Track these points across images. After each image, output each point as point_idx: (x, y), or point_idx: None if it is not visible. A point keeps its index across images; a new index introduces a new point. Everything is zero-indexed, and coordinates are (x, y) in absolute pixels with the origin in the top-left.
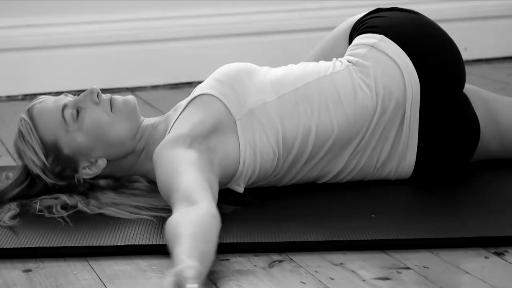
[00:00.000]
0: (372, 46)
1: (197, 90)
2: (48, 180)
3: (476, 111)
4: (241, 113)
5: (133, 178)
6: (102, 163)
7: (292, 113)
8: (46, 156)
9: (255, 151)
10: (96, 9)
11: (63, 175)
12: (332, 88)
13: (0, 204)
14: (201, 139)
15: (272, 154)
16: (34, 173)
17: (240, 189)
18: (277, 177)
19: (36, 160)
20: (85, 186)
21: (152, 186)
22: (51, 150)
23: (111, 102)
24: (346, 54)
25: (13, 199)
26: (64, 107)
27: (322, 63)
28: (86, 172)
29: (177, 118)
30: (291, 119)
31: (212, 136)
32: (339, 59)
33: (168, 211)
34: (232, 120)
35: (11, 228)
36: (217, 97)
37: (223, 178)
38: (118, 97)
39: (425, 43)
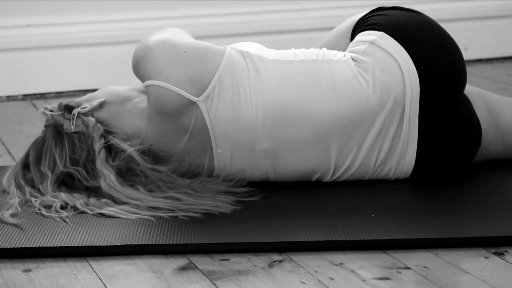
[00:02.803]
0: (372, 43)
1: None
2: (49, 112)
3: (477, 112)
4: (233, 47)
5: (132, 167)
6: (99, 99)
7: (281, 80)
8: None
9: (233, 83)
10: (96, 9)
11: (63, 108)
12: (327, 73)
13: (24, 171)
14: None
15: (246, 103)
16: (45, 118)
17: (209, 119)
18: (261, 155)
19: (48, 106)
20: (78, 126)
21: (152, 187)
22: (65, 105)
23: None
24: (347, 50)
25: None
26: None
27: (324, 50)
28: (84, 109)
29: None
30: (277, 85)
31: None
32: (340, 51)
33: (168, 211)
34: (223, 49)
35: (15, 225)
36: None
37: (193, 84)
38: None
39: (426, 42)
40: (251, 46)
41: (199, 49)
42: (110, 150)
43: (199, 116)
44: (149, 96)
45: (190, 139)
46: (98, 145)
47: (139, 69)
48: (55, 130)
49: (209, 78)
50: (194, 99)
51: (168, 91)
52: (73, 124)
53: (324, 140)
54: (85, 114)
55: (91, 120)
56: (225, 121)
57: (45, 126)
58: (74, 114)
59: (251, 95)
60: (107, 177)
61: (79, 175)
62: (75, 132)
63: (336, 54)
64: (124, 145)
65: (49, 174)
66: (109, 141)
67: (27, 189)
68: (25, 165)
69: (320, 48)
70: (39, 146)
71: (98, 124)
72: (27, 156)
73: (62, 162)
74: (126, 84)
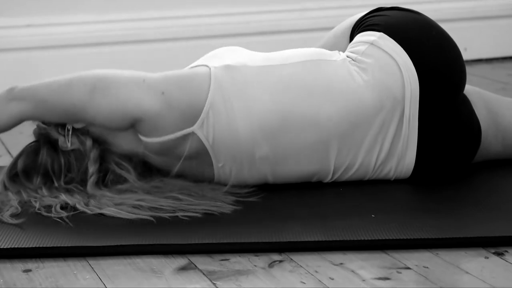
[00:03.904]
0: (372, 44)
1: None
2: (41, 125)
3: (476, 112)
4: (217, 64)
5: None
6: None
7: (273, 86)
8: None
9: (226, 105)
10: (96, 9)
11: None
12: (323, 75)
13: (13, 179)
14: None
15: (241, 120)
16: (35, 128)
17: (207, 142)
18: (262, 163)
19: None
20: (74, 144)
21: (145, 184)
22: None
23: None
24: (346, 51)
25: (24, 173)
26: None
27: (320, 50)
28: (78, 124)
29: None
30: (270, 93)
31: (182, 83)
32: (339, 51)
33: (169, 211)
34: (207, 69)
35: (15, 225)
36: (194, 65)
37: (181, 102)
38: None
39: (425, 42)
40: (236, 53)
41: (178, 80)
42: (107, 169)
43: (197, 141)
44: (148, 146)
45: (190, 159)
46: (91, 169)
47: (137, 130)
48: (49, 146)
49: (200, 106)
50: (189, 130)
51: (166, 141)
52: (68, 141)
53: (323, 143)
54: (80, 129)
55: (88, 140)
56: (223, 140)
57: (39, 135)
58: (68, 130)
59: (245, 108)
60: (98, 199)
61: (74, 191)
62: (72, 150)
63: (332, 54)
64: (124, 173)
65: (42, 186)
66: (106, 165)
67: (24, 193)
68: (13, 174)
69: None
70: (30, 159)
71: (96, 146)
72: (14, 165)
73: (57, 182)
74: None
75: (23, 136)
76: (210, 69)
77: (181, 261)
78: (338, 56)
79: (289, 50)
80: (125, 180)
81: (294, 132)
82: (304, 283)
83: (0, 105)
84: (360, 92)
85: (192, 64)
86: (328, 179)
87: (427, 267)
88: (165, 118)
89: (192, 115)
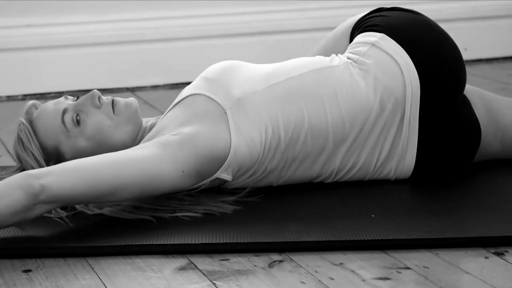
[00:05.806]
0: (373, 45)
1: (184, 92)
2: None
3: (476, 111)
4: (230, 103)
5: None
6: None
7: (283, 102)
8: (47, 162)
9: (247, 140)
10: (97, 9)
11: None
12: (328, 81)
13: None
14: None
15: (260, 145)
16: None
17: (229, 177)
18: (271, 172)
19: (36, 167)
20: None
21: None
22: (52, 155)
23: (112, 104)
24: (346, 51)
25: None
26: (65, 111)
27: (319, 57)
28: None
29: (163, 117)
30: (282, 109)
31: (200, 130)
32: (338, 55)
33: (169, 211)
34: (222, 112)
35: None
36: (203, 95)
37: (211, 167)
38: (120, 99)
39: (426, 43)
40: (237, 73)
41: (207, 153)
42: None
43: (219, 178)
44: None
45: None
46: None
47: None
48: None
49: (225, 158)
50: (215, 176)
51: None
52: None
53: (330, 149)
54: None
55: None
56: (243, 167)
57: None
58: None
59: (260, 130)
60: (106, 209)
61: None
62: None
63: (333, 59)
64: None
65: None
66: None
67: None
68: None
69: (318, 50)
70: None
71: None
72: None
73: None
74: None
75: None
76: (226, 114)
77: (181, 261)
78: (338, 60)
79: (289, 61)
80: None
81: (303, 141)
82: (304, 283)
83: (25, 212)
84: (364, 95)
85: (193, 89)
86: (330, 179)
87: (427, 267)
88: (197, 184)
89: (219, 167)
